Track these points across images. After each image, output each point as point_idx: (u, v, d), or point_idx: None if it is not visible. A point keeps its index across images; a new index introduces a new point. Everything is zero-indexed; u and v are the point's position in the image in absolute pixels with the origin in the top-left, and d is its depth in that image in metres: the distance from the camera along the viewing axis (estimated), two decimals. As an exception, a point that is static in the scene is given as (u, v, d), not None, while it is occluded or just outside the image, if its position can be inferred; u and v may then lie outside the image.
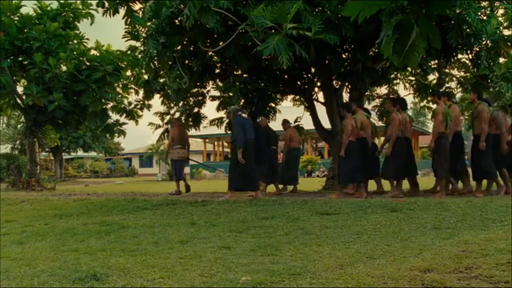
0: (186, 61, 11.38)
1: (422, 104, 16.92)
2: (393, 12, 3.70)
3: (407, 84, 15.45)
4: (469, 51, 11.07)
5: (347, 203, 8.01)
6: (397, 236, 5.73)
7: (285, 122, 13.15)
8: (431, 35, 3.75)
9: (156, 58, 10.03)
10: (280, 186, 12.70)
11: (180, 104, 13.79)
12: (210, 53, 12.15)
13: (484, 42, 10.54)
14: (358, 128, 10.30)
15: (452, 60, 11.74)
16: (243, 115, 11.26)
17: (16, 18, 15.80)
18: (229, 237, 5.91)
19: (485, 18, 10.05)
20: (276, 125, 14.10)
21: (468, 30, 9.83)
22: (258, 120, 12.50)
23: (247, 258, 4.82)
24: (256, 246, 5.34)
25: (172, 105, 13.56)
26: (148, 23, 9.63)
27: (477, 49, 10.86)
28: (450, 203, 7.61)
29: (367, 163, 10.28)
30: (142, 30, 9.86)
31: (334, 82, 12.89)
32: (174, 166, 13.17)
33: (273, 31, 7.82)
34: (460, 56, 11.80)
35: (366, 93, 13.14)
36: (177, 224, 6.96)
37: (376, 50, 12.32)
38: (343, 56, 12.37)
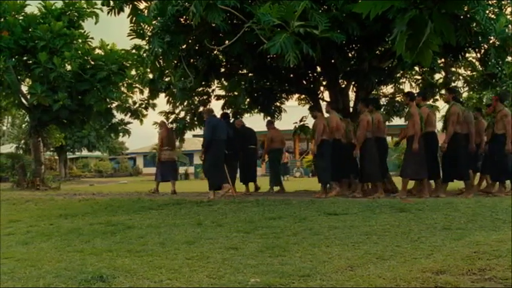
0: (192, 60, 11.29)
1: (428, 103, 16.75)
2: (407, 8, 3.61)
3: (413, 83, 15.35)
4: (477, 50, 10.95)
5: (355, 203, 7.92)
6: (407, 236, 5.64)
7: (269, 123, 13.31)
8: (446, 31, 3.66)
9: (161, 57, 9.95)
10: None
11: (185, 103, 13.72)
12: (215, 52, 12.08)
13: (492, 41, 10.43)
14: (330, 128, 10.31)
15: (459, 58, 11.60)
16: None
17: (21, 18, 15.80)
18: (237, 238, 5.83)
19: (493, 16, 9.94)
20: (281, 124, 14.05)
21: (476, 28, 9.72)
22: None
23: (256, 259, 4.74)
24: (264, 247, 5.25)
25: (177, 104, 13.48)
26: (154, 22, 9.56)
27: (485, 47, 10.75)
28: (459, 203, 7.51)
29: (339, 163, 10.24)
30: (148, 28, 9.78)
31: (340, 81, 12.79)
32: (161, 167, 13.41)
33: (279, 29, 7.73)
34: (467, 54, 11.70)
35: (373, 92, 13.00)
36: (183, 224, 6.89)
37: (383, 49, 12.25)
38: (349, 55, 12.28)
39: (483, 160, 10.40)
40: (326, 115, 10.95)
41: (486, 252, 4.76)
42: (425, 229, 5.99)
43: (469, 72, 14.45)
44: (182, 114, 14.30)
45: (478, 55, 11.34)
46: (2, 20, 15.02)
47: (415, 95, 10.35)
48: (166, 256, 5.00)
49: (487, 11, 9.63)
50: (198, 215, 7.62)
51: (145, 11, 9.93)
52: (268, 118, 13.56)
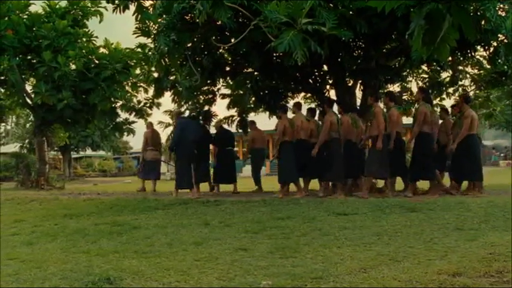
0: (197, 58, 11.18)
1: (435, 101, 16.58)
2: (424, 1, 3.49)
3: (419, 82, 15.20)
4: (486, 47, 10.79)
5: (364, 202, 7.80)
6: (419, 237, 5.53)
7: (251, 123, 13.35)
8: (465, 25, 3.54)
9: (167, 55, 9.84)
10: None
11: (190, 102, 13.62)
12: (220, 50, 11.97)
13: (502, 38, 10.27)
14: (294, 128, 10.29)
15: (468, 56, 11.46)
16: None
17: (25, 17, 15.68)
18: (245, 238, 5.73)
19: (503, 14, 9.78)
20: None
21: (486, 25, 9.57)
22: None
23: (266, 261, 4.64)
24: (274, 248, 5.15)
25: (182, 103, 13.37)
26: (159, 20, 9.46)
27: (494, 45, 10.60)
28: (471, 202, 7.39)
29: (304, 163, 10.20)
30: (153, 26, 9.67)
31: (347, 80, 12.66)
32: (145, 166, 13.75)
33: (285, 27, 7.61)
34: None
35: (380, 91, 12.87)
36: (190, 225, 6.79)
37: (390, 47, 12.12)
38: (356, 53, 12.16)
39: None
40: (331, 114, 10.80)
41: (502, 253, 4.65)
42: (438, 229, 5.87)
43: (476, 71, 14.30)
44: (187, 113, 14.18)
45: (487, 53, 11.18)
46: (6, 18, 14.93)
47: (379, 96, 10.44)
48: (174, 257, 4.91)
49: (497, 8, 9.47)
50: (205, 215, 7.52)
51: (151, 9, 9.82)
52: (274, 116, 13.45)
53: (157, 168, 13.98)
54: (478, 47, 11.01)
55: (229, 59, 12.64)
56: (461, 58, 11.81)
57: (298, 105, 11.37)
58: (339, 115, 10.33)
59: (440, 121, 10.53)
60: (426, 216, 6.63)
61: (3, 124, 35.39)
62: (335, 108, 10.87)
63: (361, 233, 5.77)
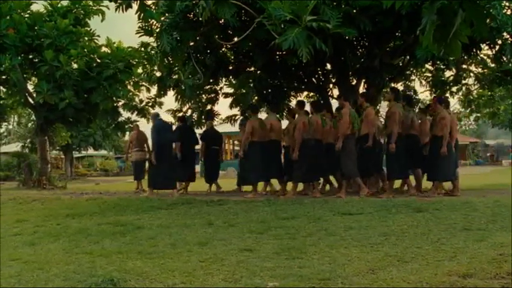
0: (200, 57, 11.11)
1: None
2: (436, -3, 3.40)
3: (423, 81, 15.13)
4: (491, 46, 10.72)
5: (369, 202, 7.72)
6: (427, 237, 5.45)
7: (241, 124, 13.13)
8: (477, 21, 3.45)
9: (170, 54, 9.77)
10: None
11: (192, 101, 13.56)
12: (223, 49, 11.91)
13: (507, 37, 10.19)
14: (263, 129, 10.33)
15: (473, 54, 11.38)
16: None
17: (26, 16, 15.65)
18: (250, 239, 5.65)
19: (509, 12, 9.70)
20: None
21: (491, 23, 9.48)
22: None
23: (272, 262, 4.56)
24: (279, 248, 5.07)
25: (185, 102, 13.31)
26: (162, 18, 9.39)
27: (500, 44, 10.52)
28: (478, 202, 7.30)
29: (268, 164, 10.35)
30: (156, 25, 9.59)
31: (350, 78, 12.59)
32: (135, 167, 14.12)
33: (289, 25, 7.53)
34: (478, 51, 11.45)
35: (383, 90, 12.81)
36: (194, 225, 6.70)
37: (393, 45, 12.05)
38: (360, 51, 12.09)
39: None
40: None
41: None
42: (445, 230, 5.79)
43: (480, 70, 14.23)
44: (190, 112, 14.12)
45: (493, 51, 11.10)
46: (8, 17, 14.87)
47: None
48: (178, 258, 4.83)
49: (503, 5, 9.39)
50: (208, 215, 7.43)
51: (153, 7, 9.75)
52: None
53: (142, 168, 14.07)
54: (483, 46, 10.94)
55: (232, 57, 12.58)
56: (465, 57, 11.71)
57: (271, 106, 11.64)
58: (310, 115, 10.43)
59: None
60: (433, 216, 6.54)
61: (5, 123, 35.35)
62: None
63: (368, 233, 5.69)
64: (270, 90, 12.82)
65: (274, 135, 10.43)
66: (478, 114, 19.56)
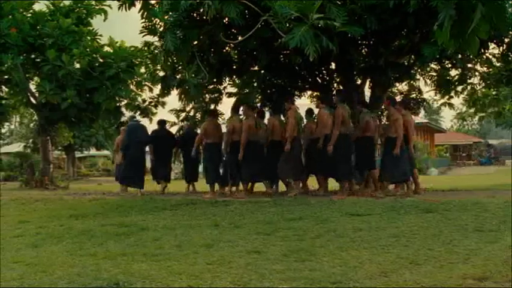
0: (204, 56, 10.98)
1: (442, 100, 16.34)
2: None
3: (427, 80, 14.96)
4: (499, 44, 10.58)
5: (377, 203, 7.59)
6: (438, 239, 5.34)
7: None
8: (497, 16, 3.34)
9: (174, 53, 9.65)
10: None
11: (196, 101, 13.45)
12: (227, 48, 11.78)
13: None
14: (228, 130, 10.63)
15: (480, 53, 11.23)
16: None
17: (29, 15, 15.53)
18: (257, 240, 5.54)
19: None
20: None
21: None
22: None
23: (281, 264, 4.46)
24: (288, 250, 4.96)
25: (189, 101, 13.20)
26: (166, 17, 9.27)
27: (507, 42, 10.39)
28: (488, 203, 7.18)
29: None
30: (160, 23, 9.47)
31: (355, 77, 12.46)
32: (117, 170, 14.12)
33: (296, 23, 7.41)
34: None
35: (389, 89, 12.67)
36: (199, 226, 6.59)
37: (399, 44, 11.90)
38: (365, 50, 11.95)
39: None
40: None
41: (527, 256, 4.45)
42: (456, 231, 5.68)
43: (485, 69, 14.08)
44: (193, 112, 14.01)
45: (500, 49, 10.96)
46: (10, 17, 14.76)
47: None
48: (185, 260, 4.72)
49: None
50: (214, 216, 7.32)
51: (156, 6, 9.62)
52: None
53: None
54: (490, 44, 10.79)
55: (236, 57, 12.45)
56: (470, 56, 11.57)
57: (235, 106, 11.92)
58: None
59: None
60: (443, 217, 6.43)
61: (7, 123, 35.23)
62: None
63: (378, 235, 5.57)
64: (274, 90, 12.69)
65: (235, 137, 10.45)
66: (483, 114, 19.40)
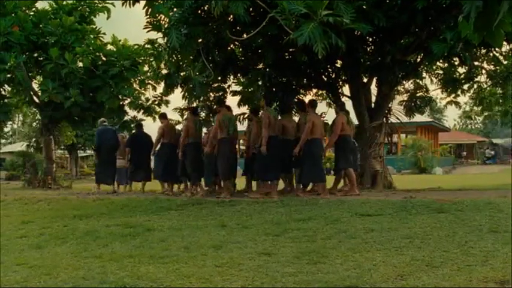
0: (209, 53, 10.84)
1: (448, 99, 16.16)
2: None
3: (434, 78, 14.80)
4: (509, 41, 10.42)
5: (388, 203, 7.43)
6: (453, 240, 5.19)
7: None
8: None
9: (178, 50, 9.50)
10: None
11: (201, 99, 13.32)
12: (232, 46, 11.64)
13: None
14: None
15: (489, 50, 11.08)
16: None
17: (31, 13, 15.43)
18: (267, 242, 5.40)
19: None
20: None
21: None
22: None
23: (293, 267, 4.32)
24: (299, 252, 4.82)
25: (193, 99, 13.04)
26: (171, 13, 9.13)
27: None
28: (501, 203, 7.01)
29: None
30: (165, 20, 9.33)
31: (362, 75, 12.30)
32: (120, 174, 14.05)
33: (303, 20, 7.27)
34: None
35: (395, 87, 12.51)
36: (206, 226, 6.45)
37: (405, 41, 11.74)
38: (372, 48, 11.80)
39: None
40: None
41: (546, 258, 4.30)
42: (471, 232, 5.52)
43: (492, 67, 13.93)
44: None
45: (510, 46, 10.80)
46: (13, 15, 14.66)
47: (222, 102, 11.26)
48: (193, 263, 4.58)
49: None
50: (220, 216, 7.16)
51: (161, 1, 9.49)
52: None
53: (125, 174, 13.72)
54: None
55: (241, 54, 12.31)
56: (485, 53, 11.41)
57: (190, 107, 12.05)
58: None
59: None
60: (456, 217, 6.27)
61: (10, 123, 35.19)
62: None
63: (390, 236, 5.42)
64: (279, 88, 12.54)
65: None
66: (490, 113, 19.23)
